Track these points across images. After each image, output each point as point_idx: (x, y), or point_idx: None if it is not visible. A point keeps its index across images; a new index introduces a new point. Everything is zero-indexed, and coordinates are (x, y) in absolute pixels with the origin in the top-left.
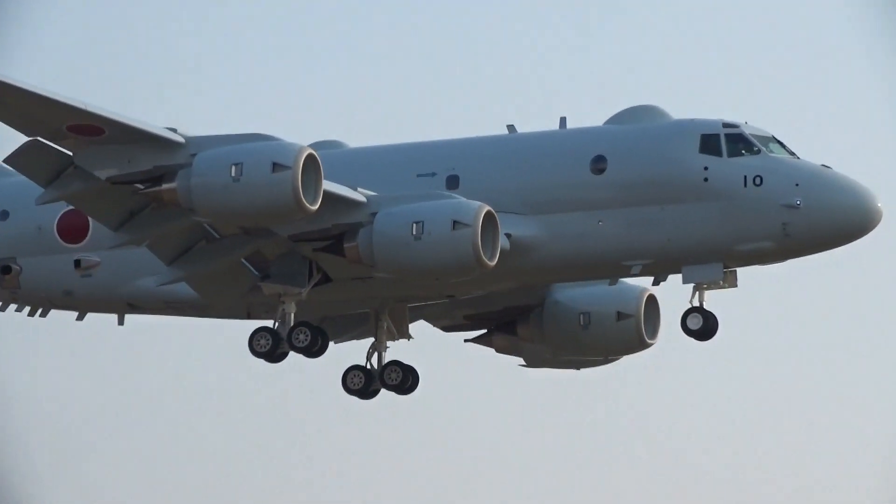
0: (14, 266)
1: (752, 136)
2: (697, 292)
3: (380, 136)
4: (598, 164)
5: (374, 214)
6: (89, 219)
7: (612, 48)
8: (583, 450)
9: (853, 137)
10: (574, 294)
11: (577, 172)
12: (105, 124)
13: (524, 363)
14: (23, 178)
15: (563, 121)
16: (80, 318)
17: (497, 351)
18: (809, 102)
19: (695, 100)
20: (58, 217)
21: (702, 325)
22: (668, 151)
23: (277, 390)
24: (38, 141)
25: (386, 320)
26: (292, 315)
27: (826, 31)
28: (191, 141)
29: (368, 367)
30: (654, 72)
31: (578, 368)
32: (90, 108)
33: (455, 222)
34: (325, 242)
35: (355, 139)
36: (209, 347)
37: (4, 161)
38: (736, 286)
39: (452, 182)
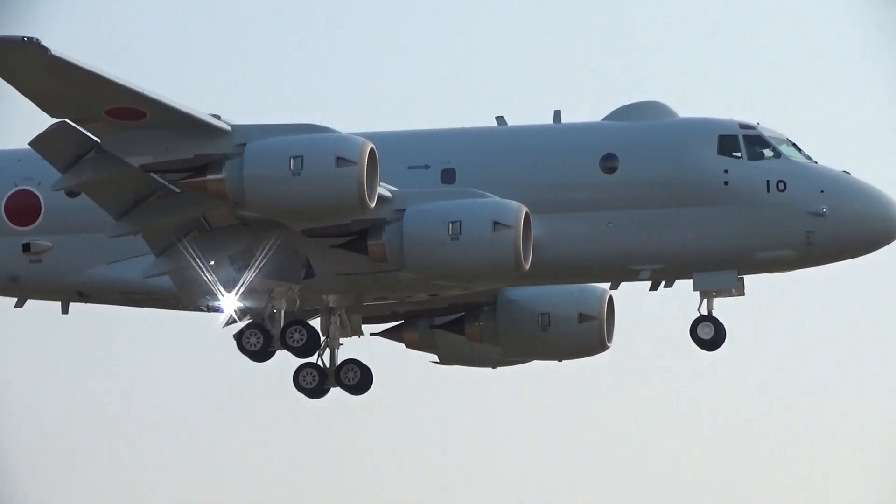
0: None
1: (770, 138)
2: (706, 300)
3: (364, 123)
4: (609, 162)
5: (400, 211)
6: (42, 200)
7: (603, 40)
8: (540, 447)
9: (854, 139)
10: (529, 293)
11: (586, 171)
12: (154, 108)
13: (437, 360)
14: None
15: (557, 114)
16: (19, 304)
17: (407, 346)
18: (803, 99)
19: (689, 96)
20: (6, 197)
21: (713, 335)
22: (684, 151)
23: (227, 386)
24: (67, 123)
25: (341, 316)
26: (282, 312)
27: (823, 28)
28: (237, 129)
29: (320, 364)
30: (644, 65)
31: (494, 367)
32: (146, 92)
33: (496, 223)
34: (343, 239)
35: (339, 126)
36: (157, 337)
37: (31, 143)
38: (743, 294)
39: (448, 176)
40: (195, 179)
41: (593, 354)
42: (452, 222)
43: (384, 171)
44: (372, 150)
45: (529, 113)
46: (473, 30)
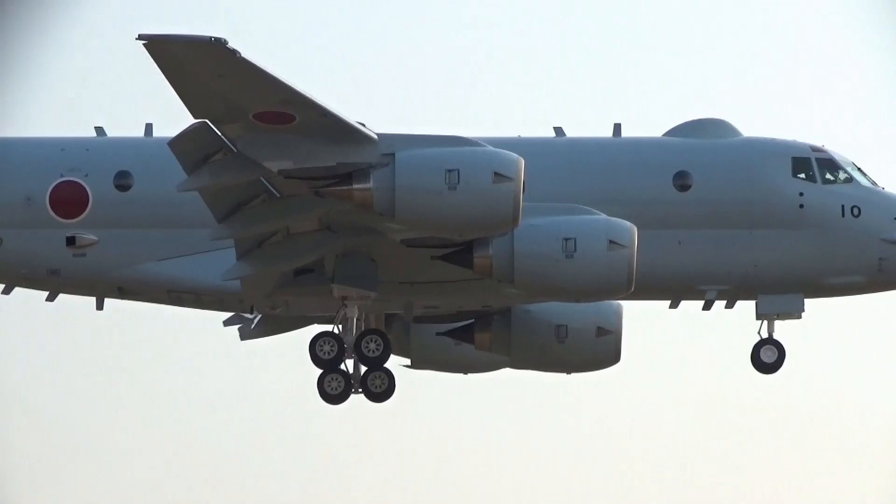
0: None
1: (840, 161)
2: (766, 322)
3: (420, 130)
4: (682, 179)
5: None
6: (89, 193)
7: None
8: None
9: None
10: (545, 305)
11: (659, 187)
12: (309, 113)
13: (408, 364)
14: (10, 138)
15: (617, 127)
16: (51, 298)
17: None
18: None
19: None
20: (51, 188)
21: (776, 359)
22: (759, 173)
23: (248, 384)
24: (206, 124)
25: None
26: (355, 320)
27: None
28: (382, 138)
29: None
30: (699, 82)
31: (466, 373)
32: (316, 99)
33: (611, 242)
34: (446, 250)
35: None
36: (182, 336)
37: (170, 143)
38: (800, 317)
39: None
40: (340, 188)
41: (604, 368)
42: (566, 239)
43: None
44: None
45: (584, 126)
46: (524, 39)
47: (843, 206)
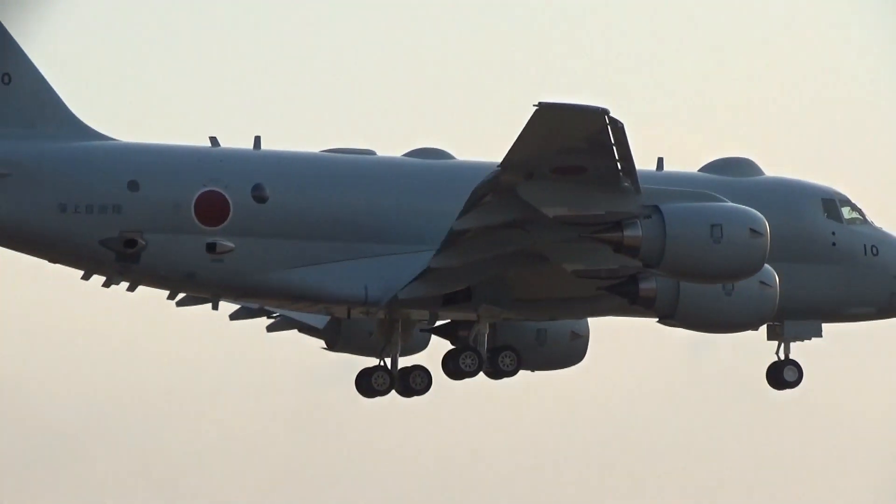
0: (140, 241)
1: (853, 203)
2: (783, 344)
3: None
4: None
5: None
6: (230, 203)
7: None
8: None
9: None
10: None
11: None
12: (610, 171)
13: (324, 346)
14: (155, 144)
15: (660, 161)
16: (171, 297)
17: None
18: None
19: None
20: (196, 195)
21: (797, 377)
22: (799, 212)
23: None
24: (508, 170)
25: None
26: (486, 336)
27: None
28: (644, 190)
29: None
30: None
31: (380, 358)
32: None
33: (762, 283)
34: (613, 282)
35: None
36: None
37: (476, 189)
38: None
39: None
40: (611, 234)
41: (571, 366)
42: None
43: None
44: None
45: None
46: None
47: (864, 246)
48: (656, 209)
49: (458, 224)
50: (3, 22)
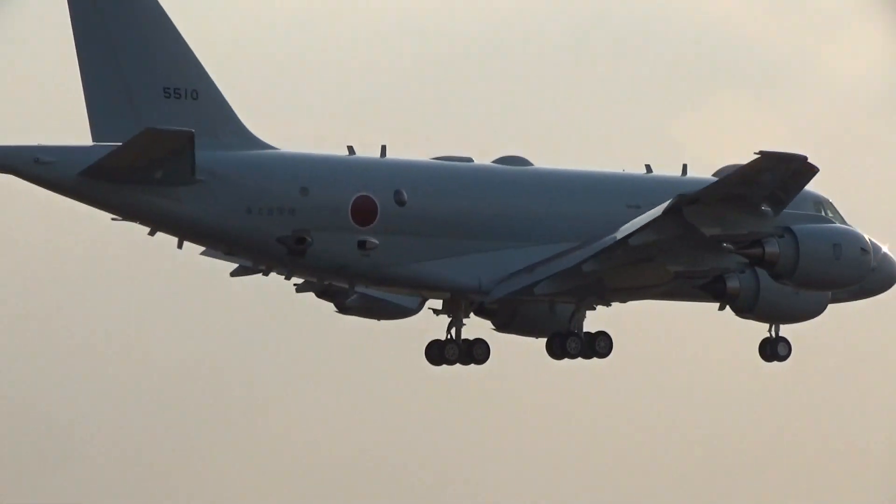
0: (308, 238)
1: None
2: (774, 325)
3: (555, 156)
4: None
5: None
6: (378, 206)
7: None
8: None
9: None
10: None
11: None
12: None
13: (336, 309)
14: (318, 154)
15: (684, 168)
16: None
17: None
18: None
19: None
20: (352, 200)
21: (788, 351)
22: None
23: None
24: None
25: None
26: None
27: None
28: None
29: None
30: None
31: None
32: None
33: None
34: (705, 281)
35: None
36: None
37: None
38: None
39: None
40: (753, 250)
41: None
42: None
43: (608, 209)
44: None
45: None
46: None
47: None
48: (788, 230)
49: (635, 239)
50: (190, 45)
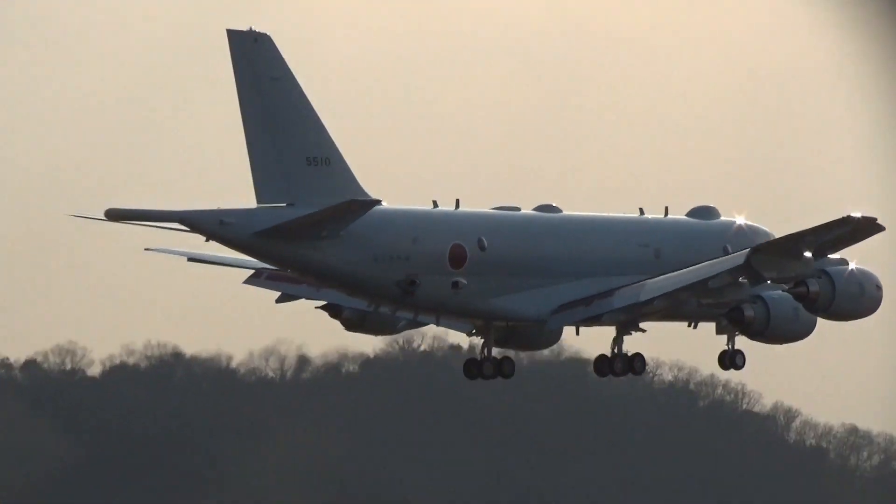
0: (417, 281)
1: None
2: (731, 338)
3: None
4: (725, 250)
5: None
6: (468, 252)
7: None
8: None
9: None
10: None
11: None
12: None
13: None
14: (420, 210)
15: (667, 209)
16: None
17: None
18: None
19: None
20: (449, 247)
21: (744, 361)
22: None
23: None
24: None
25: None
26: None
27: None
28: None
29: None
30: None
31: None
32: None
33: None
34: (727, 309)
35: (567, 205)
36: None
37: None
38: None
39: (658, 254)
40: (800, 289)
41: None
42: (795, 308)
43: (626, 248)
44: None
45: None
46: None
47: None
48: (825, 272)
49: (714, 282)
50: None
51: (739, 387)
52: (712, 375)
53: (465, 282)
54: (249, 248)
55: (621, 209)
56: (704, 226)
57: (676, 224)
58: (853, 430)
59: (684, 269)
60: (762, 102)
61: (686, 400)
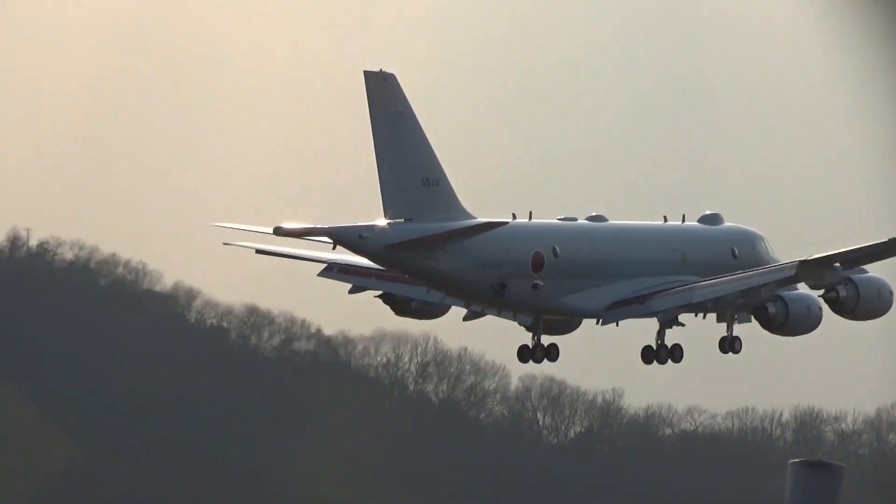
0: (506, 284)
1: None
2: (731, 325)
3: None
4: (733, 253)
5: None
6: (545, 259)
7: None
8: None
9: None
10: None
11: (727, 257)
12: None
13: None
14: (506, 221)
15: (683, 217)
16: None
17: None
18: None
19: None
20: (531, 255)
21: (740, 346)
22: (754, 246)
23: None
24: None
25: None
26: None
27: None
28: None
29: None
30: None
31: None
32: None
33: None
34: (753, 307)
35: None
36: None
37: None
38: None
39: (684, 258)
40: (831, 295)
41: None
42: (808, 306)
43: (663, 253)
44: None
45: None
46: None
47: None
48: (850, 280)
49: (766, 289)
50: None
51: (140, 266)
52: (113, 255)
53: (541, 284)
54: (381, 258)
55: (646, 216)
56: (714, 231)
57: (693, 230)
58: (253, 310)
59: (731, 276)
60: (763, 104)
61: (87, 278)
